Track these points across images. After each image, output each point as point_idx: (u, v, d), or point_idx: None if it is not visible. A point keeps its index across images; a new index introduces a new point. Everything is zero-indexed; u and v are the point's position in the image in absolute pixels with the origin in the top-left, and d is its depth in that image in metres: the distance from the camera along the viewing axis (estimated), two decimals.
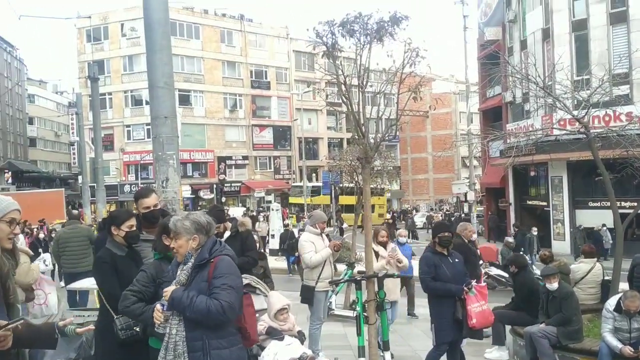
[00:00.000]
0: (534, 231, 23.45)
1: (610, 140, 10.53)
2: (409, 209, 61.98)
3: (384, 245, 9.19)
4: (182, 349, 3.79)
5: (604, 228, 24.71)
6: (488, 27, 36.78)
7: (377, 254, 8.24)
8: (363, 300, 6.67)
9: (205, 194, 51.92)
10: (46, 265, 9.99)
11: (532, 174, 31.40)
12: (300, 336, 5.53)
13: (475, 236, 11.99)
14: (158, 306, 3.84)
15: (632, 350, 6.93)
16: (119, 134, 52.59)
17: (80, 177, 35.75)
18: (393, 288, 8.85)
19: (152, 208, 5.28)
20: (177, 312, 3.83)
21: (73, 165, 58.32)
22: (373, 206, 45.24)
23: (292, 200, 49.25)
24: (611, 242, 22.42)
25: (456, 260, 6.97)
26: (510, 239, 19.27)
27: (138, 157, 49.18)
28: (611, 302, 7.31)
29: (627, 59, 20.95)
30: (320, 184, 47.94)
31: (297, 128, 55.67)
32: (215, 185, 49.24)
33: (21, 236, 8.97)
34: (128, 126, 52.67)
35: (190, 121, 51.05)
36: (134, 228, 4.90)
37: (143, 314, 4.16)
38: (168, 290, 3.78)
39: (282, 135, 58.95)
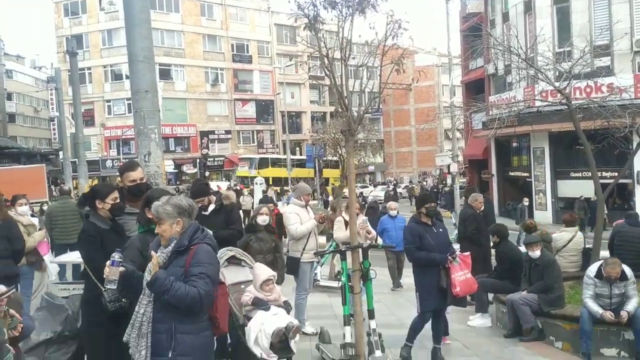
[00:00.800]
0: (525, 202, 23.86)
1: (592, 111, 10.61)
2: (391, 180, 62.51)
3: None
4: (147, 329, 3.83)
5: None
6: None
7: (347, 223, 8.26)
8: (348, 270, 6.72)
9: (188, 169, 51.72)
10: None
11: (515, 145, 31.59)
12: (287, 306, 5.56)
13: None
14: (107, 262, 3.82)
15: (613, 315, 7.10)
16: (100, 109, 52.01)
17: (61, 153, 35.36)
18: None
19: (137, 181, 5.30)
20: (149, 293, 3.84)
21: (54, 141, 57.42)
22: (328, 179, 45.66)
23: (239, 173, 49.26)
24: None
25: (440, 230, 7.06)
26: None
27: (119, 132, 48.65)
28: (592, 269, 7.46)
29: (608, 30, 21.00)
30: (303, 157, 47.91)
31: (279, 102, 55.34)
32: (198, 160, 48.99)
33: (26, 207, 9.47)
34: (108, 101, 52.09)
35: (172, 95, 50.57)
36: (118, 200, 4.90)
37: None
38: (154, 258, 3.82)
39: (264, 109, 58.59)
